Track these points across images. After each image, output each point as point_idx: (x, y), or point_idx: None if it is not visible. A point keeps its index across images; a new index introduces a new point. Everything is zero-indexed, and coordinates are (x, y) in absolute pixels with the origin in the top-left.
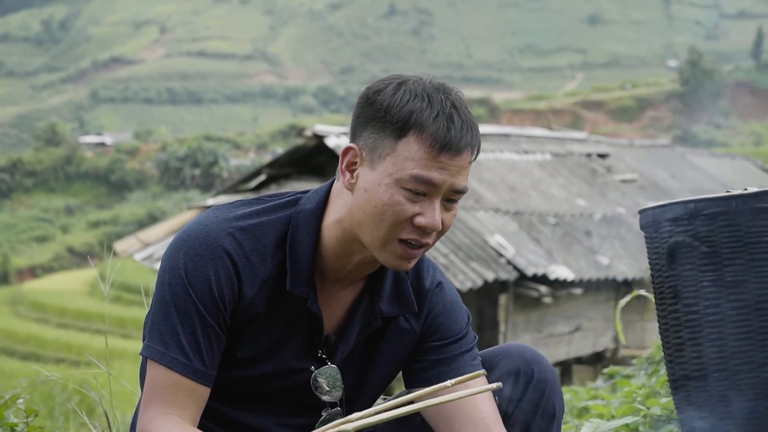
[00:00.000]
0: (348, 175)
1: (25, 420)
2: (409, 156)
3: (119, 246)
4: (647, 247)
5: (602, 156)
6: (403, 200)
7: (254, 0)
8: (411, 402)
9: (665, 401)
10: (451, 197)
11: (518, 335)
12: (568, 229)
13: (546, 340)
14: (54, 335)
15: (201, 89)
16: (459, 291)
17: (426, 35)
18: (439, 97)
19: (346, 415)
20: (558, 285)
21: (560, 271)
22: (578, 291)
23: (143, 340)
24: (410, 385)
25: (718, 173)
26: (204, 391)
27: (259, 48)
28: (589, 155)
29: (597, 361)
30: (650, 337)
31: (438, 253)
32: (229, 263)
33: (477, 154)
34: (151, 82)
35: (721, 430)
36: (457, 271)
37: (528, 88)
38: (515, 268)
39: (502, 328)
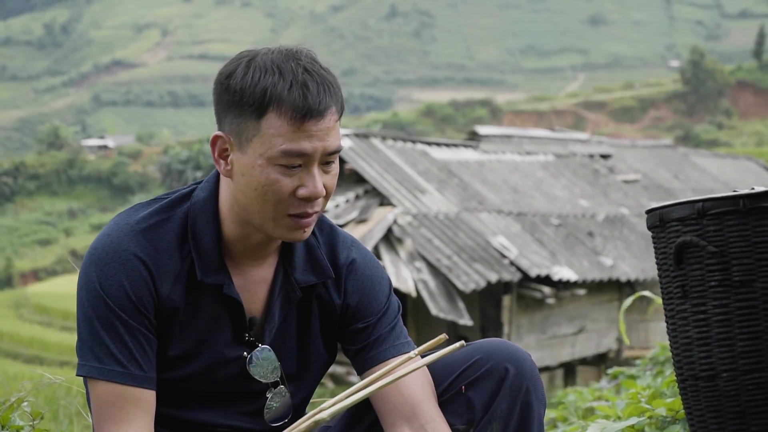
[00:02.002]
0: (222, 162)
1: (31, 423)
2: (274, 133)
3: None
4: (654, 247)
5: (605, 157)
6: (280, 177)
7: (255, 2)
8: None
9: (671, 401)
10: (326, 160)
11: (522, 336)
12: (570, 230)
13: (550, 341)
14: (57, 338)
15: (203, 92)
16: (462, 293)
17: (427, 37)
18: (289, 65)
19: (291, 393)
20: (561, 286)
21: (563, 272)
22: (581, 292)
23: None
24: (360, 372)
25: (721, 173)
26: (149, 396)
27: None
28: (591, 156)
29: (600, 361)
30: (653, 337)
31: (441, 255)
32: (140, 265)
33: (342, 110)
34: (153, 85)
35: (730, 430)
36: (460, 272)
37: (530, 89)
38: (518, 269)
39: (505, 329)
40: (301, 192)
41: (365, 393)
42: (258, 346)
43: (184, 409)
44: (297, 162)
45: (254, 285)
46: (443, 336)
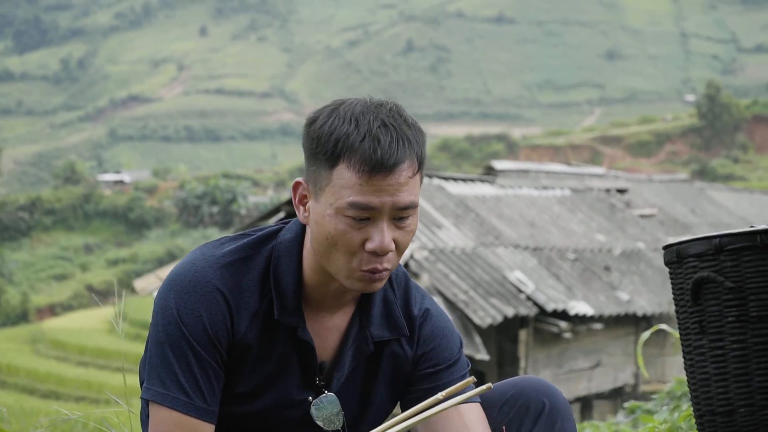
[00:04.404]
0: (301, 209)
1: None
2: (343, 184)
3: (138, 284)
4: (671, 283)
5: (621, 191)
6: (348, 228)
7: (271, 37)
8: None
9: None
10: (398, 215)
11: (538, 371)
12: (587, 264)
13: (566, 375)
14: (74, 373)
15: (219, 127)
16: (478, 327)
17: (444, 71)
18: (367, 118)
19: None
20: (578, 320)
21: (580, 307)
22: (598, 326)
23: (141, 384)
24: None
25: (737, 207)
26: (208, 429)
27: (276, 85)
28: (608, 190)
29: (617, 396)
30: (670, 371)
31: (458, 290)
32: (221, 299)
33: (420, 166)
34: (169, 120)
35: None
36: (477, 307)
37: (546, 123)
38: (535, 303)
39: (522, 363)
40: (368, 246)
41: (395, 430)
42: (324, 392)
43: None
44: (365, 215)
45: (327, 331)
46: (472, 378)
